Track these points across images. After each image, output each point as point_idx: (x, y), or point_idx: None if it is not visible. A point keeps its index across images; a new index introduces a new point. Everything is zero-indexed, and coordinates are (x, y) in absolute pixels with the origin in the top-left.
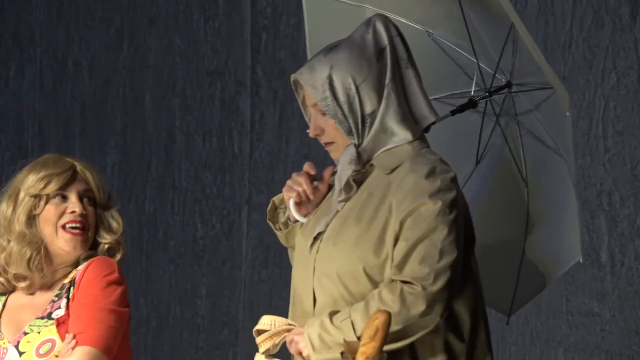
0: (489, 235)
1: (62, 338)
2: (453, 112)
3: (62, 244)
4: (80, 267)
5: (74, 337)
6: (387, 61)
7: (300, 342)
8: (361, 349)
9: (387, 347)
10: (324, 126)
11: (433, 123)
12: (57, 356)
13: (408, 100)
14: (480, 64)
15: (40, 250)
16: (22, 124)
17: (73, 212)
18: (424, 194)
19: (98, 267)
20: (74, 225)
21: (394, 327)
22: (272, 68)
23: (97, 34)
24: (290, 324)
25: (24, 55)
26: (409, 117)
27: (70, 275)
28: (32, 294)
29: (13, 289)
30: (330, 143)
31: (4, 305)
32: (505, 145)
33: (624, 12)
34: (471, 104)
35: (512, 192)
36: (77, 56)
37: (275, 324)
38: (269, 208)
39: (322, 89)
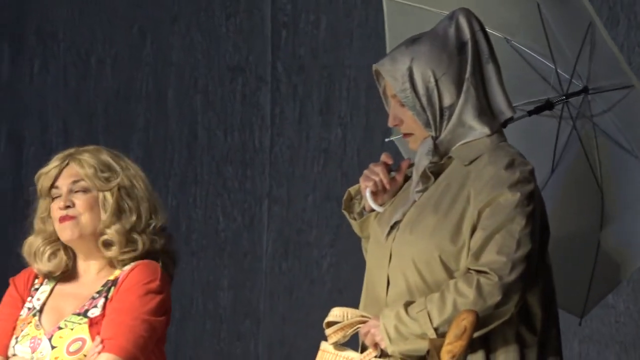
0: (564, 237)
1: (93, 338)
2: (530, 113)
3: (61, 235)
4: (126, 268)
5: (102, 341)
6: (468, 55)
7: (377, 335)
8: (447, 347)
9: None
10: (403, 117)
11: (511, 119)
12: (85, 356)
13: (487, 95)
14: (558, 70)
15: (52, 243)
16: (46, 121)
17: (59, 208)
18: (503, 185)
19: (141, 273)
20: (62, 220)
21: None
22: (292, 64)
23: (119, 32)
24: (363, 316)
25: (47, 52)
26: (487, 111)
27: (115, 274)
28: (77, 282)
29: (62, 275)
30: (409, 134)
31: (51, 292)
32: (581, 148)
33: (639, 10)
34: (548, 105)
35: (587, 194)
36: (101, 53)
37: (347, 316)
38: (344, 198)
39: (401, 80)
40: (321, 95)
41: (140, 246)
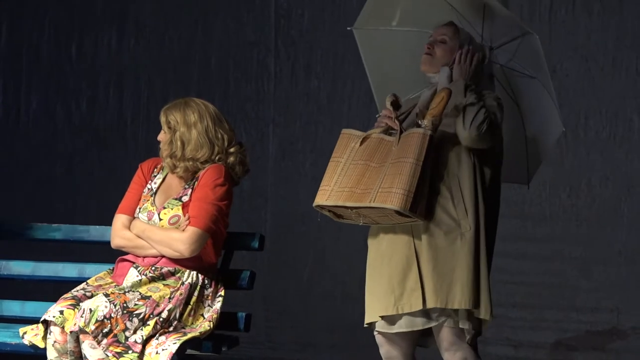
0: (508, 133)
1: (184, 215)
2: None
3: None
4: (203, 170)
5: (189, 218)
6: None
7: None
8: (430, 111)
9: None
10: (438, 48)
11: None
12: (179, 225)
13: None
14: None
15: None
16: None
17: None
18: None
19: (210, 173)
20: None
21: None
22: (287, 40)
23: (185, 23)
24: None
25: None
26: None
27: (198, 174)
28: (177, 177)
29: (172, 171)
30: (429, 55)
31: (163, 180)
32: (500, 85)
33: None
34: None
35: (511, 108)
36: (172, 36)
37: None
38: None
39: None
40: (304, 60)
41: (197, 162)
